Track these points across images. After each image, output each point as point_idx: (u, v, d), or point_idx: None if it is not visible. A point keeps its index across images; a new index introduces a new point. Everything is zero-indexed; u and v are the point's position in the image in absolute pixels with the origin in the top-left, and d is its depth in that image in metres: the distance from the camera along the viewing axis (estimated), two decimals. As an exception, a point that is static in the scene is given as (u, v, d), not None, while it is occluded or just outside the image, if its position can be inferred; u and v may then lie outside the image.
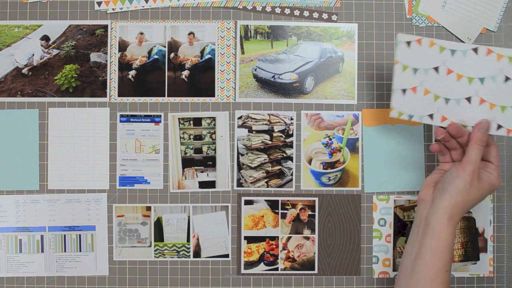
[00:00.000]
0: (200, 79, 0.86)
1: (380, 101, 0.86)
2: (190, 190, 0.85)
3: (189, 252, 0.85)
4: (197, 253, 0.85)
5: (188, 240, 0.85)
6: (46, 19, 0.86)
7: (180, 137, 0.86)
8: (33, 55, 0.85)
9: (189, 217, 0.85)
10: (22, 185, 0.84)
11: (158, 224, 0.84)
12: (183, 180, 0.85)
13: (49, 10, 0.86)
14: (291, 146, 0.86)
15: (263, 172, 0.86)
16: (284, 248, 0.85)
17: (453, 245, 0.66)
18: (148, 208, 0.85)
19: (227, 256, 0.85)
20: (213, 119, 0.86)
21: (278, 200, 0.85)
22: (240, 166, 0.85)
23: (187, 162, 0.86)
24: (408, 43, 0.70)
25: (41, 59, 0.85)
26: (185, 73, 0.86)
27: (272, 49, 0.87)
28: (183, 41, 0.86)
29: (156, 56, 0.86)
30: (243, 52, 0.86)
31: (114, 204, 0.85)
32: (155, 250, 0.84)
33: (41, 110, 0.85)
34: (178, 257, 0.85)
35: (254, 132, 0.86)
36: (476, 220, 0.86)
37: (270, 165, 0.86)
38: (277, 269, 0.85)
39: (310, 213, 0.85)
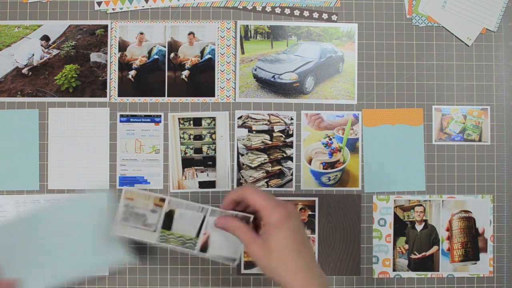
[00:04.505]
0: (200, 79, 0.86)
1: (380, 101, 0.86)
2: (190, 190, 0.85)
3: (196, 245, 0.77)
4: (203, 249, 0.78)
5: (197, 235, 0.76)
6: (46, 19, 0.86)
7: (180, 137, 0.86)
8: (33, 55, 0.85)
9: (205, 217, 0.78)
10: (22, 185, 0.84)
11: (169, 215, 0.74)
12: (183, 180, 0.85)
13: (49, 10, 0.86)
14: (291, 146, 0.86)
15: (263, 172, 0.86)
16: (284, 248, 0.85)
17: None
18: (162, 200, 0.73)
19: (227, 256, 0.85)
20: (213, 119, 0.86)
21: (278, 200, 0.85)
22: (240, 166, 0.85)
23: (187, 162, 0.85)
24: None
25: (41, 59, 0.85)
26: (185, 73, 0.86)
27: (272, 49, 0.87)
28: (183, 41, 0.86)
29: (156, 56, 0.86)
30: (243, 52, 0.86)
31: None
32: (160, 236, 0.74)
33: (41, 110, 0.85)
34: (183, 248, 0.76)
35: (254, 132, 0.86)
36: (476, 220, 0.86)
37: (270, 165, 0.86)
38: (277, 269, 0.85)
39: (310, 213, 0.85)
